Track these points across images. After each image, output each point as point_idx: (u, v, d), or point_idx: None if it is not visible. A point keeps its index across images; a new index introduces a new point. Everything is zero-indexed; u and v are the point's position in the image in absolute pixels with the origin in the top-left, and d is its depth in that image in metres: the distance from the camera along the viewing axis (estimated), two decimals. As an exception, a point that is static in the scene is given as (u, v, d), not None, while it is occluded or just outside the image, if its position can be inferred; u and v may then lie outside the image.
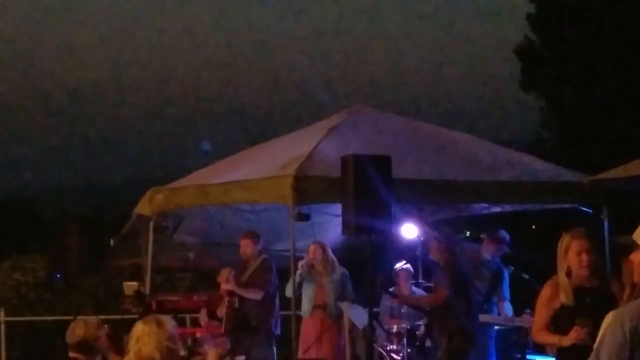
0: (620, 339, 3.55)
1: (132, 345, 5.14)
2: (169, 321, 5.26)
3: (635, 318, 3.59)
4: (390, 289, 9.61)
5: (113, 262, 12.79)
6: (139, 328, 5.14)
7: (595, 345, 3.71)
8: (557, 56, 22.13)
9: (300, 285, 9.35)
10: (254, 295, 9.23)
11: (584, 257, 5.54)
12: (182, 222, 10.38)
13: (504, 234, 9.53)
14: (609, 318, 4.31)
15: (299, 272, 9.18)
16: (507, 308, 9.47)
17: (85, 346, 5.66)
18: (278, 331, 9.56)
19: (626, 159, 9.20)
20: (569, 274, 5.58)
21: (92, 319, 5.95)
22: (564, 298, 5.54)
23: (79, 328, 5.70)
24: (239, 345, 9.16)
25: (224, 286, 9.48)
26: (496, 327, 9.45)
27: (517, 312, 9.25)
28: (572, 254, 5.57)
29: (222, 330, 9.27)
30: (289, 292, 9.24)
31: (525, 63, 23.04)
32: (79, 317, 6.12)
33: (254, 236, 9.44)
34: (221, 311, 9.36)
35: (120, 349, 7.13)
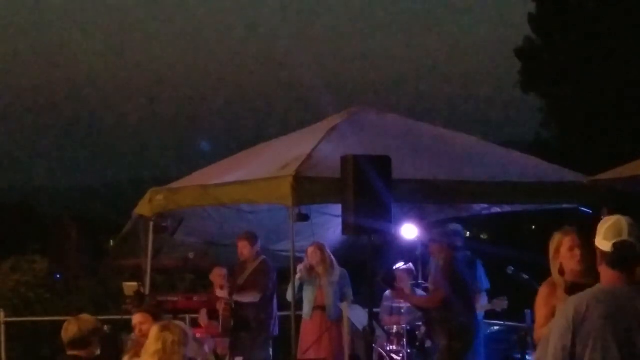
0: (564, 325, 3.85)
1: (154, 351, 5.16)
2: (187, 328, 5.34)
3: (579, 306, 3.87)
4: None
5: (113, 263, 12.78)
6: (166, 337, 5.18)
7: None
8: (557, 56, 22.15)
9: (300, 288, 9.34)
10: (252, 299, 9.23)
11: (577, 252, 5.53)
12: (182, 222, 10.37)
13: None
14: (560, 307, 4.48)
15: (298, 275, 9.16)
16: (483, 299, 9.47)
17: (80, 343, 5.68)
18: (276, 332, 9.55)
19: (626, 159, 9.19)
20: (561, 272, 5.58)
21: (86, 316, 5.97)
22: (562, 296, 5.53)
23: (72, 325, 5.74)
24: (238, 346, 9.17)
25: (219, 294, 9.51)
26: (496, 328, 9.45)
27: (514, 311, 9.27)
28: (564, 250, 5.56)
29: (220, 330, 9.28)
30: (289, 295, 9.22)
31: (525, 63, 23.08)
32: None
33: (251, 237, 9.42)
34: (222, 312, 9.36)
35: (119, 349, 7.13)
